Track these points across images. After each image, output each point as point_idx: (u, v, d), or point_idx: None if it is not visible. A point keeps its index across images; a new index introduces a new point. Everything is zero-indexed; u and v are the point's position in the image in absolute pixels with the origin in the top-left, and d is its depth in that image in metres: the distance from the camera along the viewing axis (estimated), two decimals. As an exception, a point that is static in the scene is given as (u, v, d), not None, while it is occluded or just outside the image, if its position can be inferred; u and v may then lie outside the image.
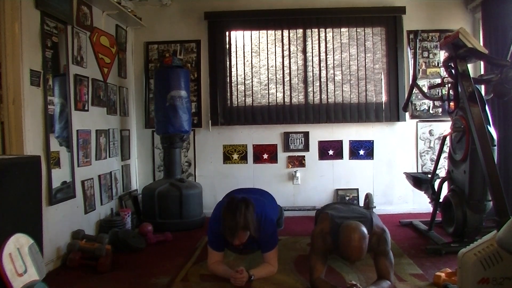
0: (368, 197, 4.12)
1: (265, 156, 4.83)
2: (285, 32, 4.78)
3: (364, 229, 2.27)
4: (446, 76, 3.65)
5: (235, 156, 4.85)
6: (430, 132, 4.75)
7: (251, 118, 4.78)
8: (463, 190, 3.30)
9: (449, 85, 3.65)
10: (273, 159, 4.83)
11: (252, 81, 4.81)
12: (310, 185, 4.77)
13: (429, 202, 3.79)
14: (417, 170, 4.72)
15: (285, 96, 4.77)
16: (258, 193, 3.30)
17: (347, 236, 2.23)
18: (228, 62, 4.81)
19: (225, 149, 4.85)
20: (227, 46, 4.81)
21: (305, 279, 2.68)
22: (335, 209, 2.71)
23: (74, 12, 3.52)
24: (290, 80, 4.77)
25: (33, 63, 2.93)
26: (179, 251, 3.45)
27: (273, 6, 4.73)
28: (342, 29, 4.75)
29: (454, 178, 3.51)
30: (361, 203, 4.44)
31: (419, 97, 4.62)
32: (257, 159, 4.83)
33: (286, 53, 4.78)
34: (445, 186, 3.63)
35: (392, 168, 4.75)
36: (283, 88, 4.78)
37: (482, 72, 4.29)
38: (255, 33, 4.81)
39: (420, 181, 3.91)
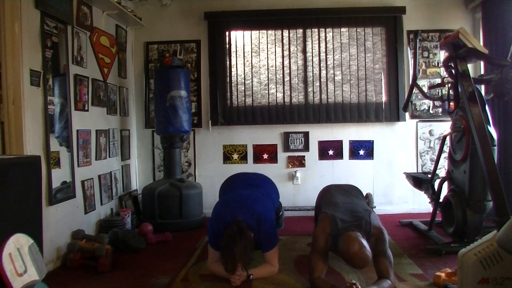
0: (368, 197, 4.12)
1: (265, 156, 4.83)
2: (285, 32, 4.78)
3: (363, 239, 2.32)
4: (446, 76, 3.65)
5: (235, 156, 4.84)
6: (430, 132, 4.75)
7: (251, 118, 4.78)
8: (463, 190, 3.31)
9: (449, 85, 3.65)
10: (273, 159, 4.83)
11: (252, 81, 4.81)
12: (310, 185, 4.77)
13: (429, 202, 3.79)
14: (417, 170, 4.72)
15: (285, 96, 4.77)
16: (258, 185, 3.29)
17: (350, 249, 2.29)
18: (228, 62, 4.81)
19: (225, 149, 4.85)
20: (227, 46, 4.81)
21: (305, 279, 2.68)
22: (336, 205, 2.70)
23: (74, 12, 3.52)
24: (290, 80, 4.77)
25: (33, 63, 2.93)
26: (179, 251, 3.45)
27: (273, 6, 4.73)
28: (342, 29, 4.75)
29: (454, 178, 3.51)
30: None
31: (419, 97, 4.62)
32: (257, 159, 4.83)
33: (286, 53, 4.78)
34: (445, 186, 3.63)
35: (392, 168, 4.75)
36: (283, 88, 4.78)
37: (482, 72, 4.29)
38: (255, 33, 4.81)
39: (420, 181, 3.91)
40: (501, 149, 3.78)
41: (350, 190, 3.13)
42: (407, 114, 4.71)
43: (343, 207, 2.67)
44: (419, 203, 4.61)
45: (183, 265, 3.08)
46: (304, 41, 4.77)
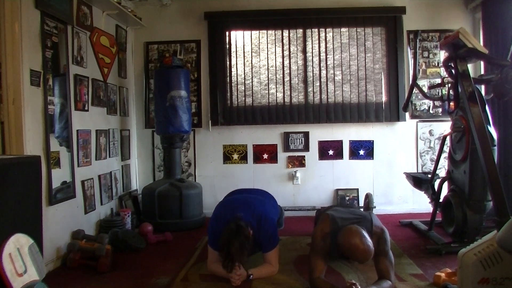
0: (368, 197, 4.12)
1: (265, 156, 4.83)
2: (285, 32, 4.78)
3: (364, 232, 2.30)
4: (446, 76, 3.65)
5: (235, 156, 4.84)
6: (430, 132, 4.75)
7: (251, 118, 4.78)
8: (463, 190, 3.31)
9: (449, 85, 3.65)
10: (273, 159, 4.82)
11: (252, 81, 4.81)
12: (310, 185, 4.77)
13: (429, 202, 3.79)
14: (417, 170, 4.72)
15: (285, 96, 4.77)
16: (258, 193, 3.31)
17: (351, 241, 2.25)
18: (228, 62, 4.81)
19: (225, 149, 4.85)
20: (227, 46, 4.81)
21: (305, 279, 2.68)
22: (336, 210, 2.71)
23: (74, 12, 3.52)
24: (290, 80, 4.77)
25: (33, 63, 2.93)
26: (179, 251, 3.45)
27: (273, 6, 4.73)
28: (342, 29, 4.75)
29: (454, 178, 3.51)
30: (361, 203, 4.45)
31: (419, 97, 4.62)
32: (257, 159, 4.83)
33: (286, 53, 4.78)
34: (445, 186, 3.63)
35: (392, 168, 4.75)
36: (283, 88, 4.78)
37: (482, 72, 4.29)
38: (255, 33, 4.81)
39: (420, 181, 3.91)
40: (501, 149, 3.78)
41: (350, 205, 3.16)
42: (407, 114, 4.71)
43: (343, 210, 2.68)
44: (419, 203, 4.61)
45: (183, 265, 3.08)
46: (304, 41, 4.77)
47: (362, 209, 2.97)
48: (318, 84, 4.74)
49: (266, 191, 3.47)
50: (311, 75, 4.76)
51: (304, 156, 4.81)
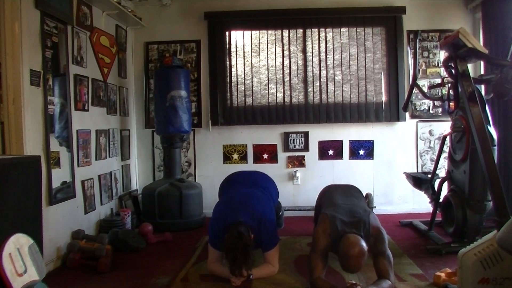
0: (368, 197, 4.12)
1: (265, 156, 4.83)
2: (285, 32, 4.78)
3: (363, 244, 2.33)
4: (446, 76, 3.66)
5: (235, 156, 4.84)
6: (430, 132, 4.75)
7: (251, 118, 4.78)
8: (463, 190, 3.31)
9: (449, 85, 3.65)
10: (273, 159, 4.83)
11: (252, 81, 4.81)
12: (310, 185, 4.77)
13: (429, 202, 3.79)
14: (417, 170, 4.72)
15: (285, 96, 4.77)
16: (257, 184, 3.30)
17: (347, 251, 2.31)
18: (228, 62, 4.81)
19: (225, 149, 4.85)
20: (227, 46, 4.81)
21: (305, 279, 2.68)
22: (336, 206, 2.70)
23: (74, 12, 3.52)
24: (290, 80, 4.77)
25: (33, 63, 2.93)
26: (179, 251, 3.45)
27: (273, 6, 4.73)
28: (342, 29, 4.75)
29: (454, 178, 3.51)
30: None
31: (419, 97, 4.62)
32: (257, 159, 4.83)
33: (286, 53, 4.78)
34: (445, 186, 3.63)
35: (392, 168, 4.75)
36: (283, 88, 4.78)
37: (482, 72, 4.29)
38: (255, 33, 4.81)
39: (420, 181, 3.91)
40: (501, 149, 3.78)
41: (350, 190, 3.12)
42: (407, 114, 4.71)
43: (343, 208, 2.67)
44: (419, 203, 4.61)
45: (183, 265, 3.08)
46: (304, 41, 4.77)
47: (360, 201, 2.91)
48: (318, 84, 4.74)
49: (265, 173, 3.51)
50: (311, 75, 4.76)
51: (304, 156, 4.81)
